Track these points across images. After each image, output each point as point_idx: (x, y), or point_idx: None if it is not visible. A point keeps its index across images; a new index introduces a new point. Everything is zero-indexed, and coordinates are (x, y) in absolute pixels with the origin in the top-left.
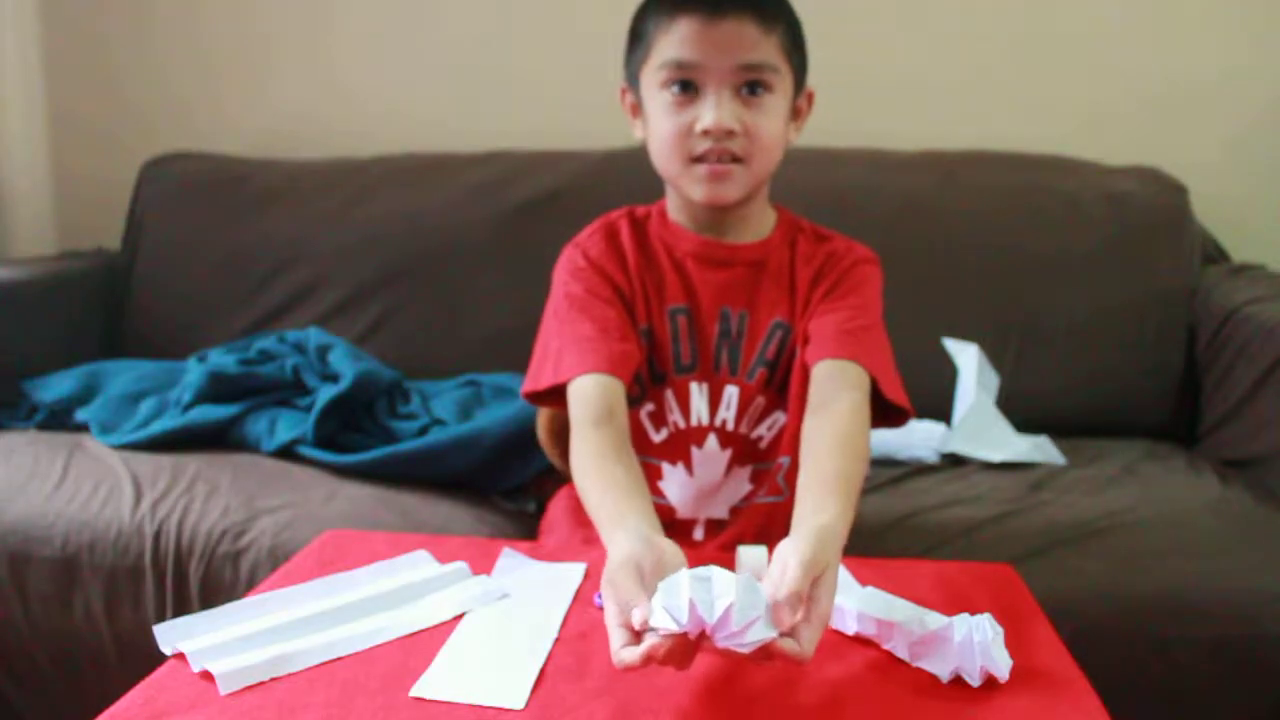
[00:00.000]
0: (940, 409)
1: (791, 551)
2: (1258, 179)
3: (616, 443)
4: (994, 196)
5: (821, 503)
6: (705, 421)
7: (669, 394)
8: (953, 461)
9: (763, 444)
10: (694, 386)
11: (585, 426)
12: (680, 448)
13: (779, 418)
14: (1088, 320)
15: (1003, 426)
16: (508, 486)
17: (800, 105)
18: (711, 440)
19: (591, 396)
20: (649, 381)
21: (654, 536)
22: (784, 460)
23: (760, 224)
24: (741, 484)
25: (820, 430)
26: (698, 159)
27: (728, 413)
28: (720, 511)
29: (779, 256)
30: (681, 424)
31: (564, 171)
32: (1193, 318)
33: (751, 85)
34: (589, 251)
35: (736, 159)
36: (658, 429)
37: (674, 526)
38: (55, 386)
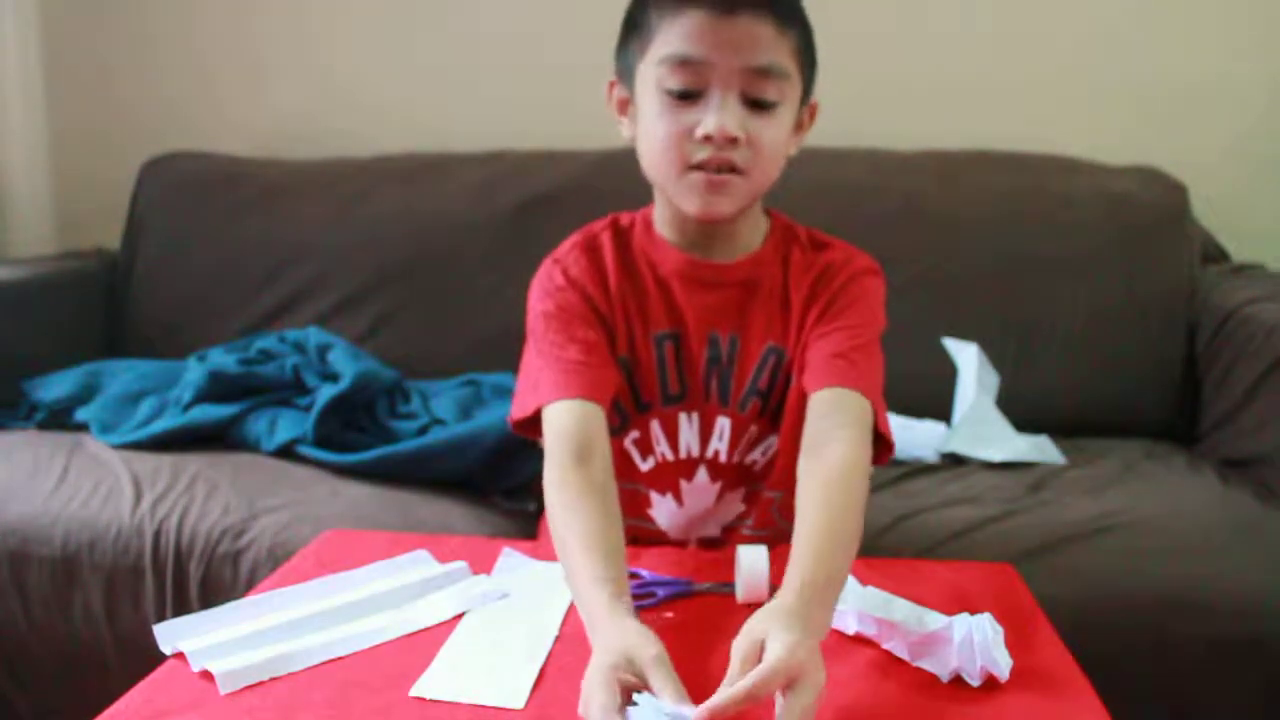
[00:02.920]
0: (940, 409)
1: (761, 659)
2: (1258, 179)
3: (597, 486)
4: (994, 196)
5: (808, 576)
6: (695, 453)
7: (655, 424)
8: (953, 461)
9: (756, 468)
10: (683, 417)
11: (566, 462)
12: (668, 479)
13: (773, 442)
14: (1088, 320)
15: (1003, 426)
16: (508, 486)
17: (802, 118)
18: (701, 473)
19: (568, 426)
20: (633, 410)
21: (633, 647)
22: (778, 495)
23: (751, 236)
24: (734, 506)
25: (811, 478)
26: (694, 167)
27: (720, 444)
28: (713, 530)
29: (771, 274)
30: (669, 456)
31: (564, 171)
32: (1193, 318)
33: (760, 90)
34: (569, 269)
35: (736, 170)
36: (644, 457)
37: (665, 544)
38: (55, 386)
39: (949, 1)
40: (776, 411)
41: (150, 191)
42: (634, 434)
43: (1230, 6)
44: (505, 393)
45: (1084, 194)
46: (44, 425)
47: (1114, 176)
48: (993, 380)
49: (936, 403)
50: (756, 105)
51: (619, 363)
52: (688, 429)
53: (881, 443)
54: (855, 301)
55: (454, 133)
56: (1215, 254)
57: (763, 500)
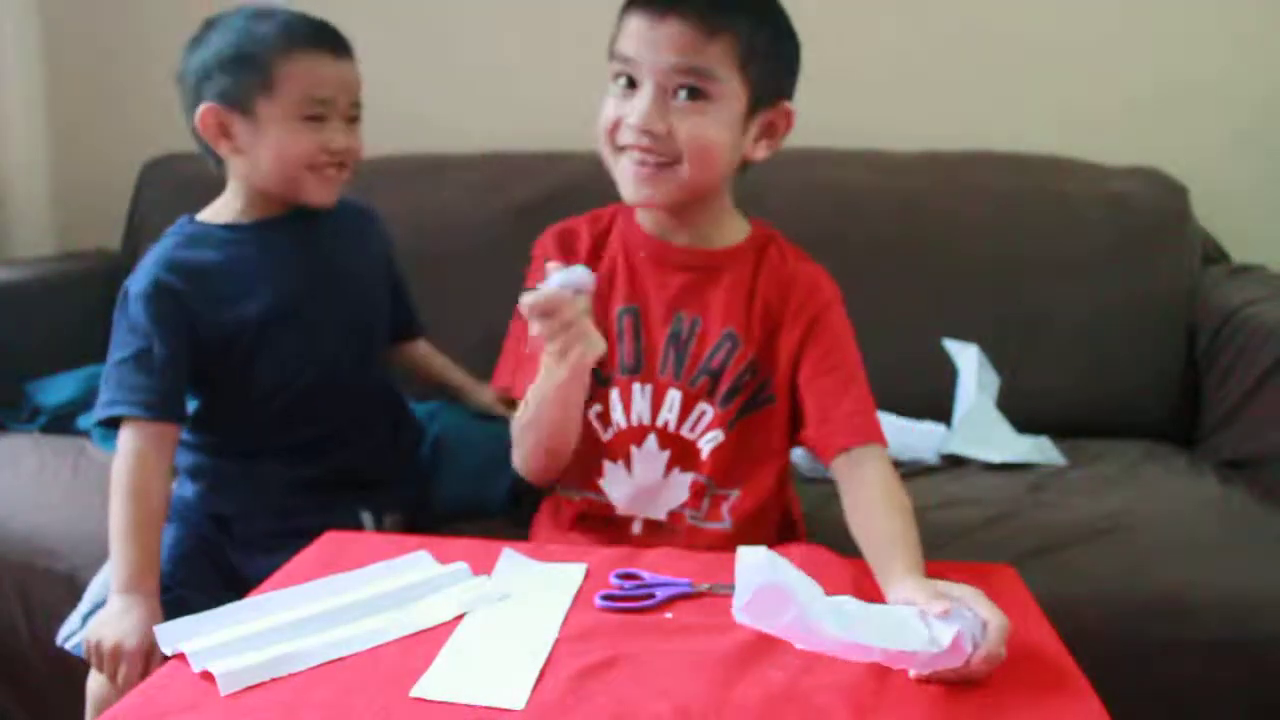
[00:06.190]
0: (940, 409)
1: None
2: (1258, 180)
3: None
4: (994, 197)
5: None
6: (647, 421)
7: (614, 394)
8: (953, 462)
9: (703, 455)
10: (636, 387)
11: None
12: (621, 446)
13: (719, 436)
14: (1088, 321)
15: (1003, 427)
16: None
17: (774, 122)
18: (651, 440)
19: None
20: (593, 383)
21: None
22: (733, 493)
23: (715, 231)
24: (680, 490)
25: (864, 525)
26: (622, 148)
27: (670, 414)
28: (659, 513)
29: (740, 267)
30: (623, 424)
31: (563, 172)
32: (1193, 318)
33: (686, 89)
34: (544, 250)
35: (663, 163)
36: (605, 429)
37: (612, 521)
38: (58, 390)
39: (949, 1)
40: (727, 398)
41: (150, 192)
42: (596, 408)
43: (1230, 6)
44: None
45: (1084, 194)
46: (46, 429)
47: (1114, 177)
48: (993, 381)
49: (936, 404)
50: (683, 103)
51: None
52: (640, 398)
53: None
54: (839, 339)
55: (454, 133)
56: (1215, 255)
57: (714, 496)
